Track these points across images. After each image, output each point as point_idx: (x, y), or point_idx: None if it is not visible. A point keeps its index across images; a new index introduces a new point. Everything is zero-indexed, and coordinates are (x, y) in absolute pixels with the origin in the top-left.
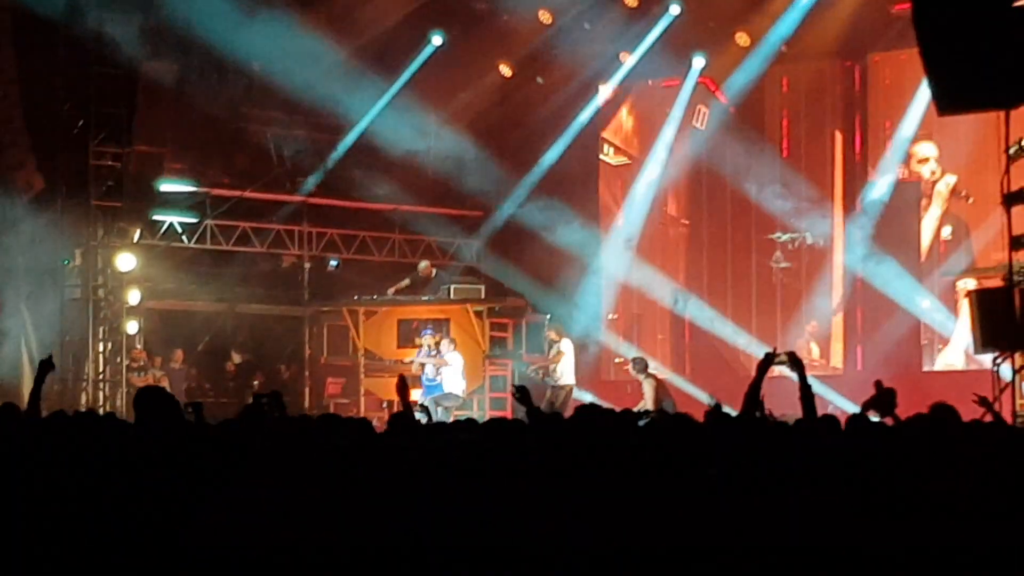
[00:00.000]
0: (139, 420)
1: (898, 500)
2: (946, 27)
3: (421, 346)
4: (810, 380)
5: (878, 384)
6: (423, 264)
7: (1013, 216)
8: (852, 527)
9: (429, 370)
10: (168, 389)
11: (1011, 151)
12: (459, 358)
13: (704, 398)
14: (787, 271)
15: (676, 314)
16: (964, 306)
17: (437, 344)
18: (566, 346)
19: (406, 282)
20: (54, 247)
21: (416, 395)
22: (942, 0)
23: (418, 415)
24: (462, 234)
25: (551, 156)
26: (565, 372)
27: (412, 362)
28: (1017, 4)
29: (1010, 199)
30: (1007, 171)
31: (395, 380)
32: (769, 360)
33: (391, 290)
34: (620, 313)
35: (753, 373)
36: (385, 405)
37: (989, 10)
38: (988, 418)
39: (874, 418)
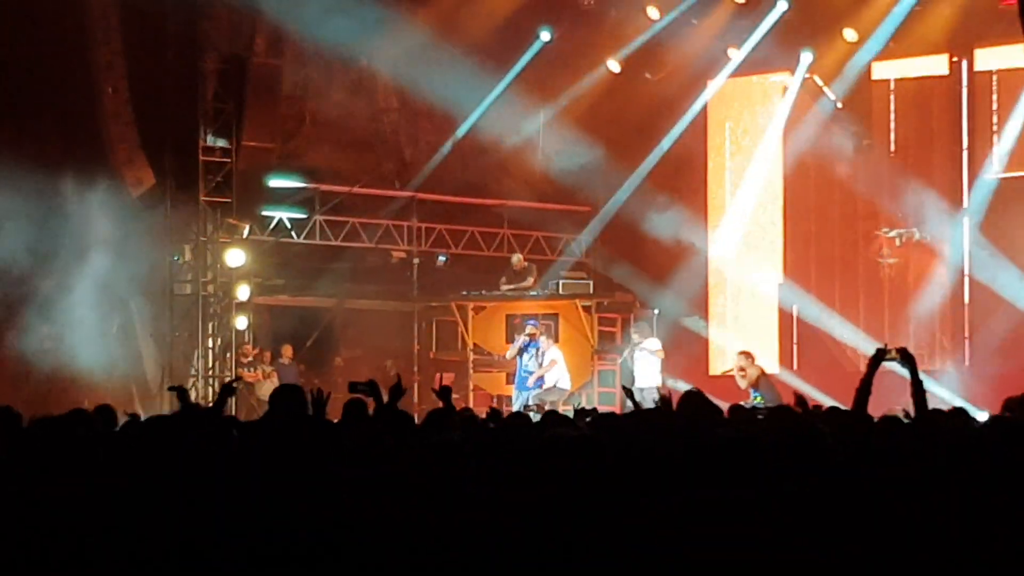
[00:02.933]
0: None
1: None
2: None
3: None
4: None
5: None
6: (516, 257)
7: None
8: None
9: (527, 361)
10: (277, 384)
11: None
12: (559, 352)
13: (817, 396)
14: (895, 267)
15: (784, 309)
16: None
17: (532, 337)
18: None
19: (504, 280)
20: (164, 243)
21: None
22: None
23: (532, 415)
24: (571, 229)
25: (660, 151)
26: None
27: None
28: None
29: None
30: None
31: (504, 375)
32: (880, 356)
33: (504, 287)
34: (728, 307)
35: (863, 369)
36: (495, 400)
37: None
38: None
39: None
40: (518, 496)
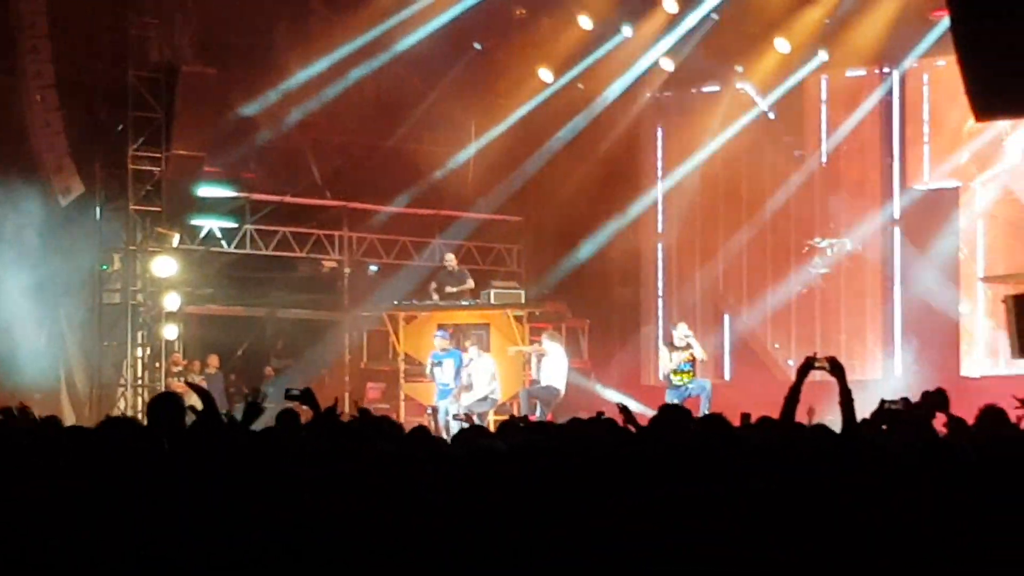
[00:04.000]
0: (150, 425)
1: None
2: (983, 33)
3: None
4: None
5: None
6: (450, 257)
7: None
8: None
9: (439, 374)
10: None
11: None
12: (492, 362)
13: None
14: (826, 277)
15: (717, 319)
16: (1002, 312)
17: (443, 350)
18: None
19: (435, 287)
20: (93, 252)
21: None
22: (979, 7)
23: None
24: (503, 239)
25: (593, 160)
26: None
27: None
28: None
29: None
30: None
31: (434, 386)
32: (809, 365)
33: (447, 290)
34: (660, 317)
35: (793, 378)
36: (429, 411)
37: None
38: None
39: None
40: (457, 504)
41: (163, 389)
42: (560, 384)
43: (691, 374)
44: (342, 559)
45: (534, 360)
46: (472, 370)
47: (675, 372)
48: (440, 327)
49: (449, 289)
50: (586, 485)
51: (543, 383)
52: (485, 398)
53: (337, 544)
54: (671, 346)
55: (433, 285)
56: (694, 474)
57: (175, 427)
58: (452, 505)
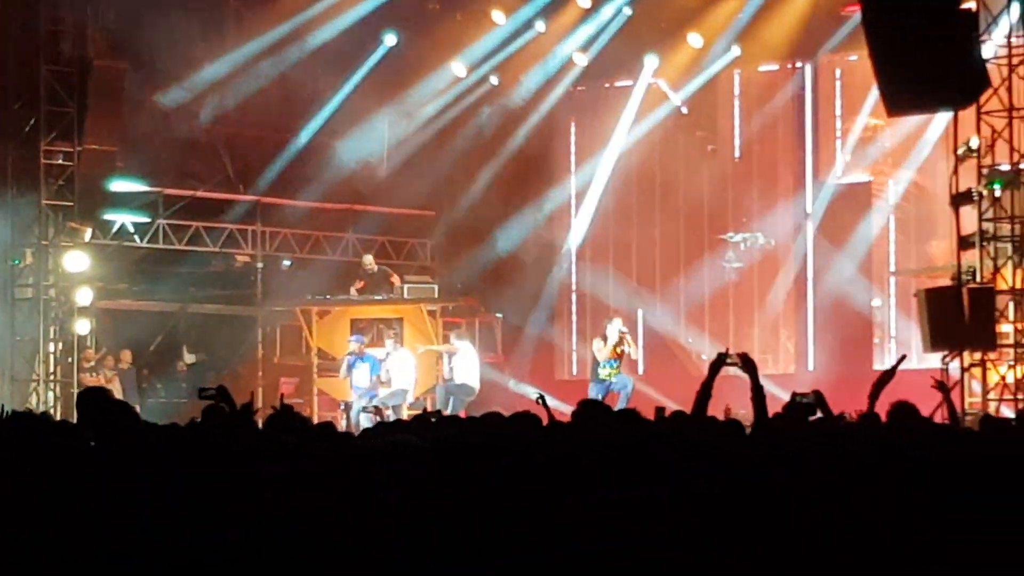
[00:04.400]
0: (80, 421)
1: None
2: (895, 29)
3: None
4: (761, 380)
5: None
6: (368, 258)
7: (961, 216)
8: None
9: (356, 376)
10: (119, 389)
11: (959, 152)
12: (409, 355)
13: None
14: (739, 271)
15: (630, 314)
16: (914, 305)
17: (358, 354)
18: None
19: (359, 283)
20: (4, 247)
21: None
22: (891, 3)
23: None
24: (416, 234)
25: (506, 155)
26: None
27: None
28: (964, 7)
29: (958, 199)
30: (955, 172)
31: (348, 380)
32: (721, 361)
33: (353, 290)
34: (574, 312)
35: (705, 373)
36: (343, 406)
37: (937, 13)
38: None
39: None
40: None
41: (76, 384)
42: (474, 382)
43: (617, 370)
44: (273, 554)
45: (446, 358)
46: (389, 364)
47: (602, 366)
48: (355, 332)
49: (378, 296)
50: (515, 483)
51: (457, 381)
52: (399, 392)
53: (269, 539)
54: (604, 339)
55: (356, 285)
56: (621, 475)
57: (104, 422)
58: (351, 500)
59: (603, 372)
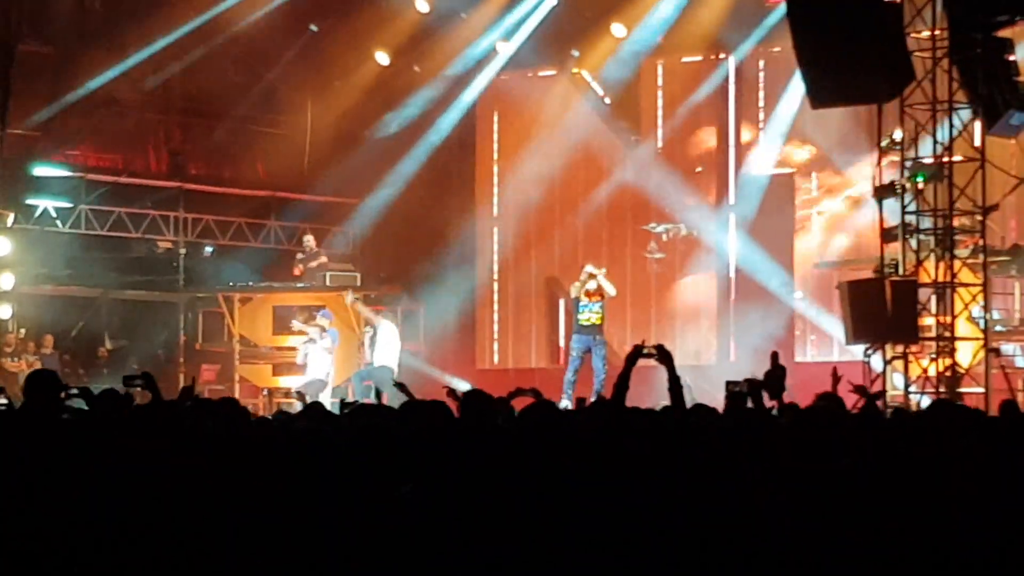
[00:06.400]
0: (27, 404)
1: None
2: (820, 22)
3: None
4: (682, 371)
5: (774, 356)
6: (308, 238)
7: (884, 209)
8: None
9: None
10: None
11: (883, 144)
12: (332, 338)
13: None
14: (662, 262)
15: (553, 304)
16: (836, 297)
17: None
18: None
19: (300, 264)
20: None
21: (292, 382)
22: None
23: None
24: (338, 221)
25: (429, 144)
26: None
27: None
28: (888, 0)
29: (881, 192)
30: (879, 164)
31: (270, 367)
32: (638, 352)
33: (296, 271)
34: (496, 301)
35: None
36: (265, 392)
37: (862, 6)
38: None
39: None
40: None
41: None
42: (393, 363)
43: (599, 316)
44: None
45: (367, 341)
46: (310, 349)
47: (580, 311)
48: (322, 307)
49: (310, 265)
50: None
51: (376, 363)
52: (317, 379)
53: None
54: (586, 290)
55: (298, 269)
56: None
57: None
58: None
59: (582, 317)
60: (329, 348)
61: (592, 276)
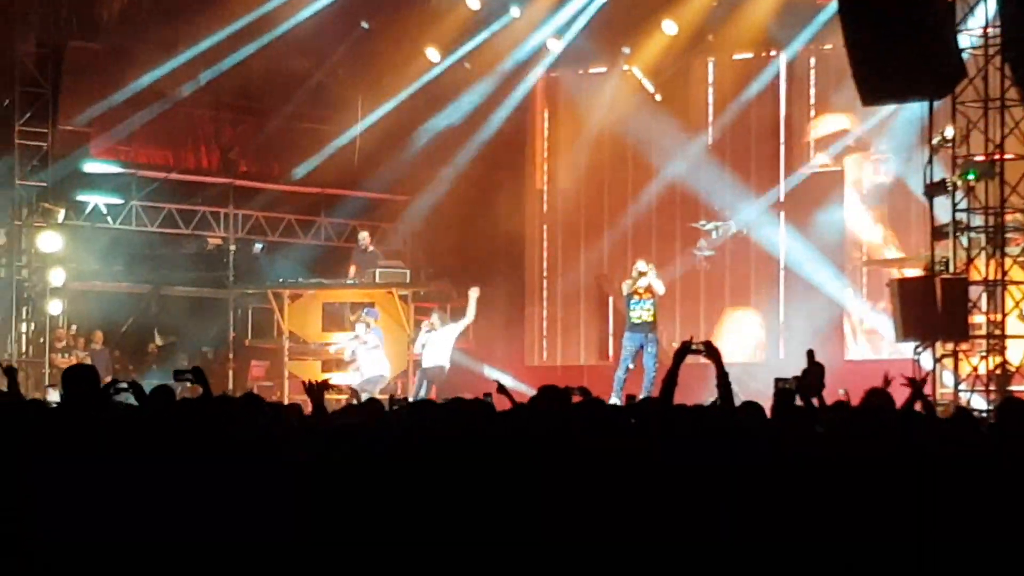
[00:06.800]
0: (65, 399)
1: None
2: (872, 19)
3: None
4: (732, 368)
5: (810, 354)
6: (363, 235)
7: (935, 206)
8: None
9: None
10: None
11: (934, 142)
12: (380, 336)
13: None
14: (711, 259)
15: (603, 301)
16: (886, 295)
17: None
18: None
19: (353, 268)
20: None
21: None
22: None
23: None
24: (388, 218)
25: (480, 141)
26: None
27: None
28: None
29: (932, 190)
30: (930, 161)
31: (319, 364)
32: (685, 349)
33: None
34: (545, 298)
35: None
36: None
37: (914, 3)
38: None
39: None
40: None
41: (47, 364)
42: (446, 361)
43: (651, 314)
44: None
45: (422, 337)
46: (357, 347)
47: (631, 309)
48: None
49: (381, 267)
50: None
51: (436, 363)
52: (376, 377)
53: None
54: (636, 287)
55: (353, 267)
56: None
57: (89, 400)
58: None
59: (633, 315)
60: (376, 346)
61: (643, 274)
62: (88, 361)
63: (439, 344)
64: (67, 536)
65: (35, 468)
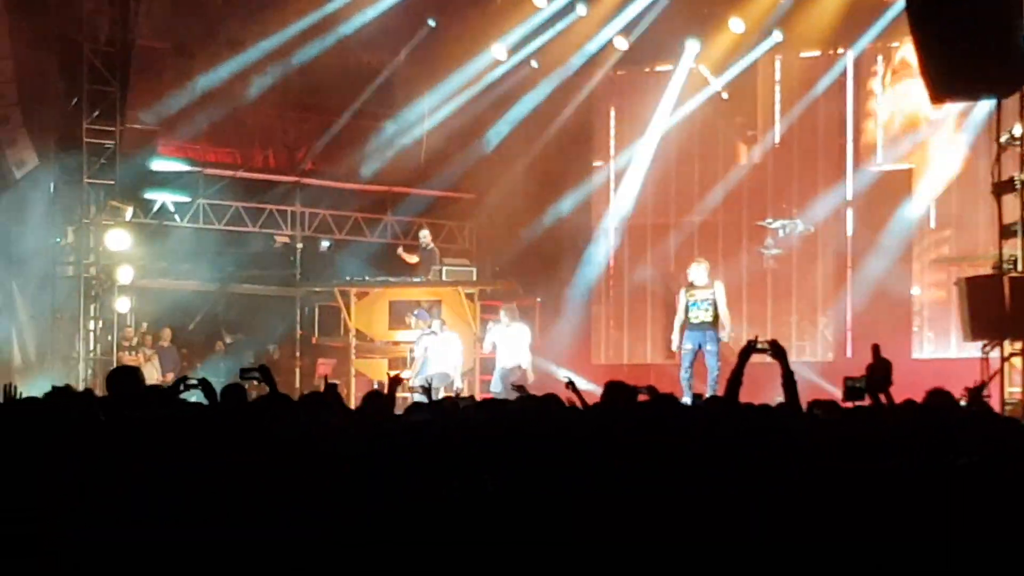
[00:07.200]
0: (111, 398)
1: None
2: (940, 16)
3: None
4: (799, 367)
5: (875, 349)
6: (424, 233)
7: (1003, 204)
8: (841, 512)
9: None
10: (158, 367)
11: (1002, 140)
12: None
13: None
14: (778, 258)
15: (671, 299)
16: (954, 294)
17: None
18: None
19: (415, 258)
20: (47, 225)
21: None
22: None
23: (417, 397)
24: (455, 216)
25: (546, 139)
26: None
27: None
28: None
29: (1000, 188)
30: (998, 159)
31: (386, 361)
32: (751, 348)
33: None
34: (611, 296)
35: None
36: (376, 386)
37: (981, 1)
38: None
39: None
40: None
41: (115, 362)
42: (525, 361)
43: (711, 316)
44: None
45: (496, 337)
46: (429, 343)
47: (691, 309)
48: (418, 307)
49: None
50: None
51: (513, 363)
52: (442, 375)
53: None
54: (691, 287)
55: (411, 259)
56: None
57: (131, 399)
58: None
59: (691, 315)
60: (446, 342)
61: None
62: (156, 359)
63: (513, 343)
64: (102, 536)
65: (71, 466)
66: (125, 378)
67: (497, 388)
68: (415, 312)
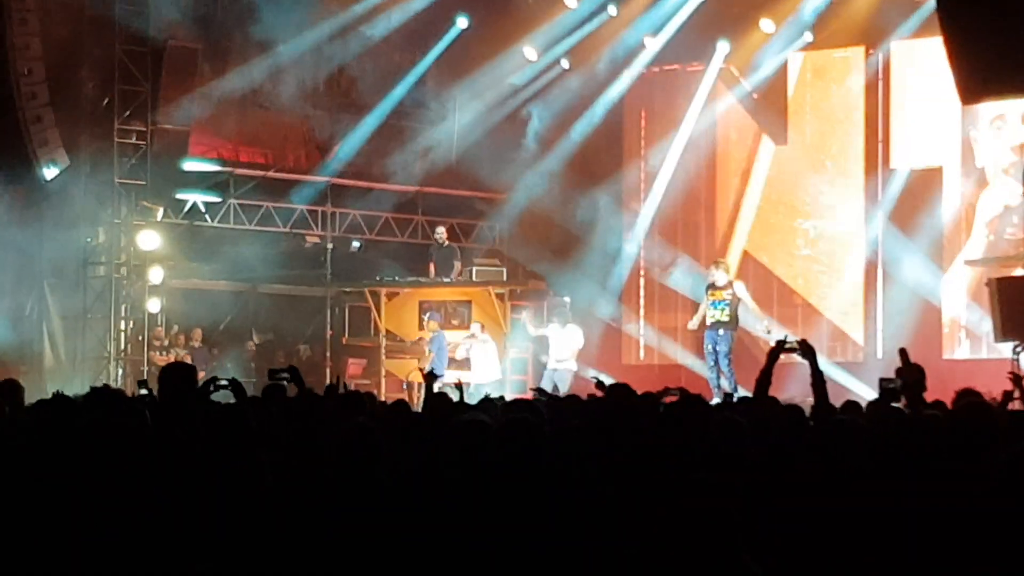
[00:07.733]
0: (162, 396)
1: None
2: (971, 15)
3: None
4: (829, 367)
5: (902, 352)
6: (440, 230)
7: None
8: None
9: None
10: None
11: None
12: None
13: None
14: (808, 258)
15: (698, 300)
16: (985, 295)
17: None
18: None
19: (432, 267)
20: (78, 225)
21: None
22: None
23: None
24: (485, 216)
25: (575, 138)
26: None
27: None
28: None
29: None
30: None
31: (416, 362)
32: (780, 347)
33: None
34: (642, 296)
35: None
36: (405, 386)
37: None
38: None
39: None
40: (434, 478)
41: (146, 362)
42: (572, 364)
43: (726, 316)
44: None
45: (551, 335)
46: (472, 344)
47: (711, 308)
48: (430, 310)
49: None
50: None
51: (567, 365)
52: (492, 382)
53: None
54: (711, 288)
55: (432, 268)
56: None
57: (186, 397)
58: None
59: (708, 315)
60: (486, 342)
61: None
62: (188, 359)
63: (560, 346)
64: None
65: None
66: (180, 375)
67: (547, 386)
68: (427, 314)
